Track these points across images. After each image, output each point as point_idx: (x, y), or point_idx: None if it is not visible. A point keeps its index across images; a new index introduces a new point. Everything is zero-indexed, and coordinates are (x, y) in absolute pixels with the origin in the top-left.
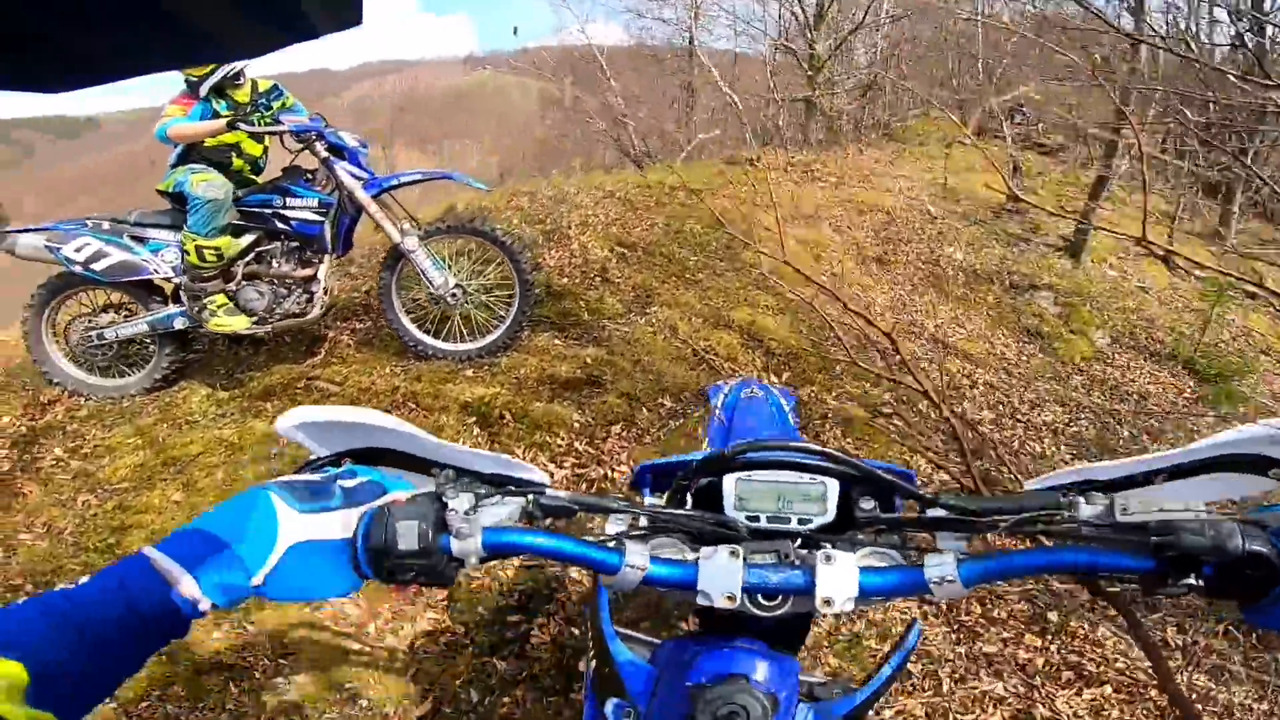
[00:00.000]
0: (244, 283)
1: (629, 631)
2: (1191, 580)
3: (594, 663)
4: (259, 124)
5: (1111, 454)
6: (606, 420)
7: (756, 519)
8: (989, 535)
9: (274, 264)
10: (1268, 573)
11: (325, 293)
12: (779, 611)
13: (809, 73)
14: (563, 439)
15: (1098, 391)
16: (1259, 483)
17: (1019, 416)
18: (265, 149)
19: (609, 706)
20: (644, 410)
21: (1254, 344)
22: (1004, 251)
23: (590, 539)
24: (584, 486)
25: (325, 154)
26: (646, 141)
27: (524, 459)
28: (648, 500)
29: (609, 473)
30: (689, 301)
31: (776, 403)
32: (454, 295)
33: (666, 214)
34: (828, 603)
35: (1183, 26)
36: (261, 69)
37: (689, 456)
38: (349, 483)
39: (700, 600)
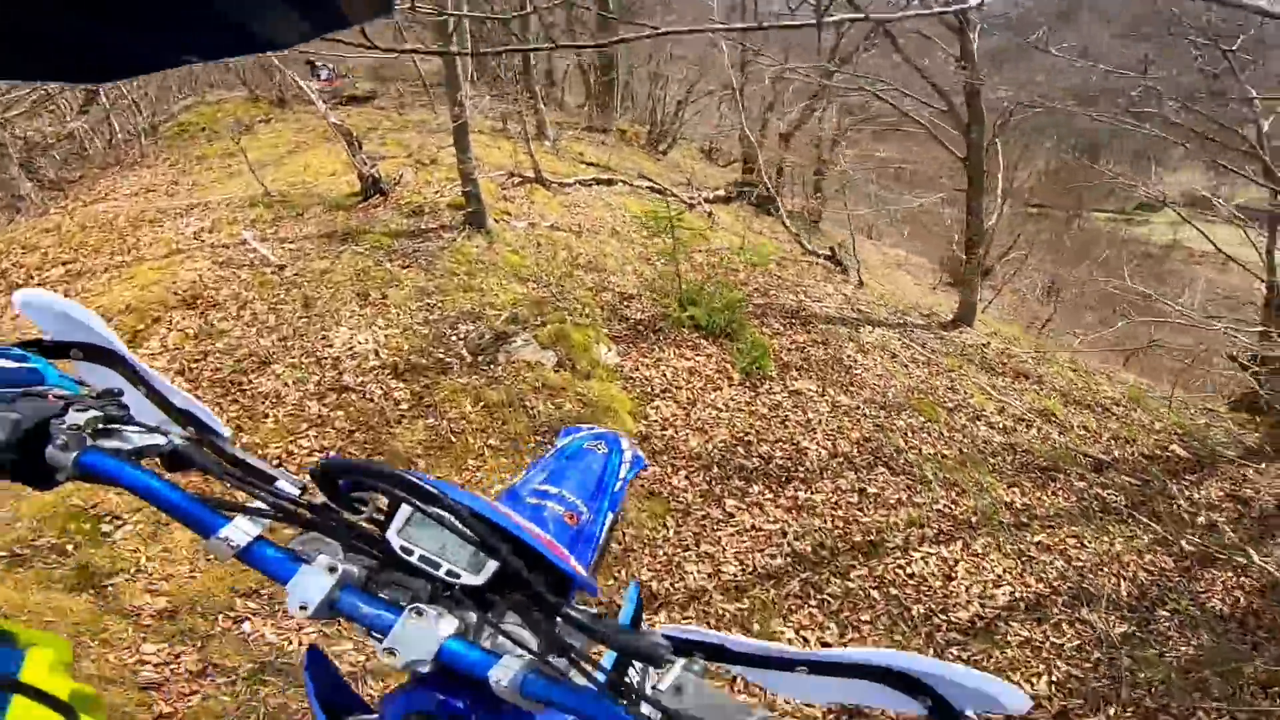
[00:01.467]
0: None
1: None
2: None
3: None
4: None
5: None
6: None
7: (411, 552)
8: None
9: None
10: None
11: None
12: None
13: None
14: None
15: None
16: (909, 703)
17: None
18: None
19: None
20: None
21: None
22: (417, 278)
23: (208, 499)
24: None
25: None
26: None
27: None
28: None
29: None
30: None
31: (613, 465)
32: None
33: None
34: (391, 653)
35: None
36: None
37: (362, 461)
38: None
39: (289, 603)
